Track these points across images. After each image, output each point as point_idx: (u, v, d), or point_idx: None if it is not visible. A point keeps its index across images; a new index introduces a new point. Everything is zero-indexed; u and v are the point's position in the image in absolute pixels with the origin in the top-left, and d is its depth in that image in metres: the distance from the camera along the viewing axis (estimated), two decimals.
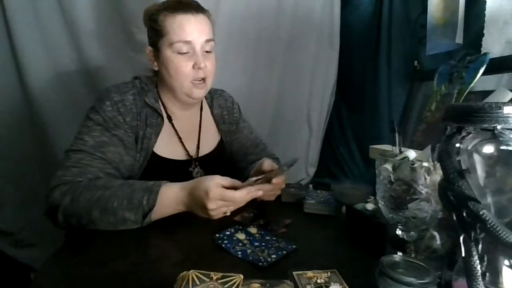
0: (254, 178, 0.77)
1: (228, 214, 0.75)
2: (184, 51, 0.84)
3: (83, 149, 0.78)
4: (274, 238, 0.71)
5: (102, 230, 0.72)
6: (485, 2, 0.95)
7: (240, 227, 0.74)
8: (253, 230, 0.74)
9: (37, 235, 1.30)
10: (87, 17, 1.23)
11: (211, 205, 0.70)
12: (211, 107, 1.07)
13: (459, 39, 1.06)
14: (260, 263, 0.60)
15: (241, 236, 0.70)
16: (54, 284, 0.54)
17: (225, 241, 0.67)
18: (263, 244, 0.68)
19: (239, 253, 0.64)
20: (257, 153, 1.10)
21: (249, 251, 0.64)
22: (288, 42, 1.54)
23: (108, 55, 1.29)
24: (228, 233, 0.71)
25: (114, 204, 0.70)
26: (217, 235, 0.70)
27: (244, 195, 0.72)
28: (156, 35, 0.86)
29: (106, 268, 0.58)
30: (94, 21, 1.25)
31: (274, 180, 0.82)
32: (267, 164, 0.87)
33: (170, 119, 0.94)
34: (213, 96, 1.08)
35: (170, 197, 0.74)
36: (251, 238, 0.70)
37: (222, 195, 0.70)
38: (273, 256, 0.62)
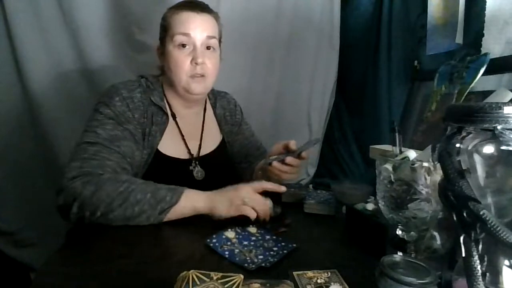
0: (274, 157, 0.84)
1: (247, 207, 0.76)
2: (184, 43, 0.86)
3: (98, 141, 0.78)
4: (274, 238, 0.71)
5: (106, 226, 0.72)
6: (485, 2, 0.95)
7: (233, 228, 0.73)
8: (252, 229, 0.74)
9: (37, 235, 1.30)
10: (87, 17, 1.23)
11: (243, 187, 0.77)
12: (214, 107, 1.08)
13: (459, 39, 1.06)
14: (246, 265, 0.59)
15: (230, 234, 0.70)
16: (55, 284, 0.54)
17: (214, 240, 0.67)
18: (251, 243, 0.67)
19: (226, 253, 0.63)
20: (257, 156, 1.10)
21: (236, 251, 0.64)
22: (288, 42, 1.54)
23: (109, 55, 1.29)
24: (218, 232, 0.70)
25: (138, 196, 0.71)
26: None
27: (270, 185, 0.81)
28: (163, 31, 0.90)
29: (107, 267, 0.58)
30: (95, 21, 1.24)
31: (304, 154, 0.86)
32: (293, 143, 0.89)
33: (174, 117, 0.95)
34: (216, 97, 1.10)
35: (192, 196, 0.76)
36: (240, 236, 0.70)
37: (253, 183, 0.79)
38: (260, 257, 0.62)
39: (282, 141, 0.91)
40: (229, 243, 0.67)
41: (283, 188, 0.81)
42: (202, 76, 0.89)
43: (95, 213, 0.71)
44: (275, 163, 0.86)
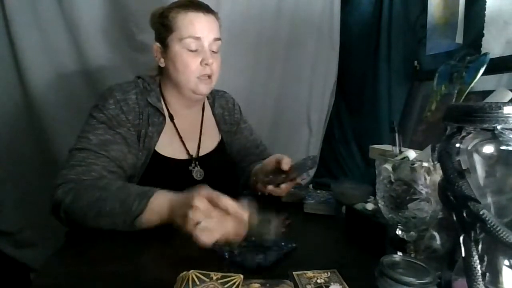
0: (267, 179, 0.78)
1: (201, 232, 0.58)
2: (193, 48, 0.87)
3: (87, 147, 0.79)
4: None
5: (102, 230, 0.72)
6: (485, 2, 0.95)
7: None
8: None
9: (37, 235, 1.30)
10: (87, 17, 1.23)
11: (196, 201, 0.59)
12: (212, 107, 1.08)
13: (459, 39, 1.06)
14: (246, 264, 0.58)
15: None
16: (54, 284, 0.54)
17: None
18: (251, 243, 0.65)
19: (226, 253, 0.62)
20: (257, 154, 1.10)
21: (236, 251, 0.63)
22: (288, 42, 1.54)
23: (108, 55, 1.29)
24: None
25: (107, 208, 0.69)
26: None
27: (232, 203, 0.60)
28: (166, 31, 0.88)
29: (106, 268, 0.58)
30: (94, 21, 1.24)
31: (298, 180, 0.87)
32: (286, 162, 0.86)
33: (172, 118, 0.94)
34: (215, 96, 1.09)
35: (160, 203, 0.68)
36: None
37: (210, 193, 0.61)
38: (260, 256, 0.60)
39: (276, 154, 0.91)
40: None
41: (244, 216, 0.61)
42: (209, 77, 0.90)
43: (82, 220, 0.72)
44: (270, 188, 0.87)
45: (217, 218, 0.59)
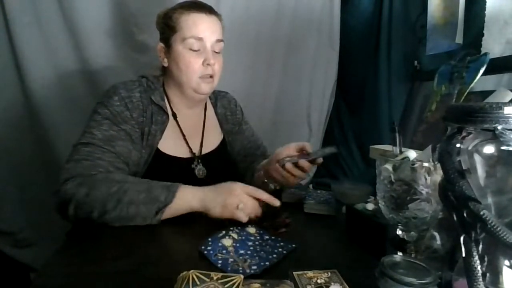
0: (288, 159, 0.83)
1: (240, 212, 0.74)
2: (195, 48, 0.87)
3: (92, 142, 0.79)
4: (273, 238, 0.70)
5: (106, 227, 0.72)
6: (485, 2, 0.95)
7: (231, 230, 0.71)
8: (251, 230, 0.73)
9: (37, 235, 1.31)
10: (87, 17, 1.23)
11: (238, 190, 0.75)
12: (215, 107, 1.09)
13: (459, 39, 1.06)
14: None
15: (227, 242, 0.66)
16: (54, 284, 0.54)
17: (209, 248, 0.63)
18: (248, 252, 0.64)
19: (220, 262, 0.60)
20: (257, 155, 1.11)
21: (230, 260, 0.61)
22: (288, 42, 1.54)
23: (108, 55, 1.29)
24: (214, 238, 0.67)
25: (131, 197, 0.71)
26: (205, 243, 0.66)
27: (266, 196, 0.77)
28: (170, 31, 0.89)
29: (106, 268, 0.58)
30: (94, 22, 1.25)
31: (319, 161, 0.87)
32: (308, 145, 0.90)
33: (175, 116, 0.95)
34: (217, 97, 1.11)
35: (187, 195, 0.75)
36: (237, 244, 0.66)
37: (249, 191, 0.76)
38: (254, 267, 0.59)
39: (295, 142, 0.91)
40: (224, 251, 0.63)
41: (277, 203, 0.78)
42: (211, 76, 0.91)
43: (92, 214, 0.71)
44: (288, 165, 0.86)
45: (250, 203, 0.75)
